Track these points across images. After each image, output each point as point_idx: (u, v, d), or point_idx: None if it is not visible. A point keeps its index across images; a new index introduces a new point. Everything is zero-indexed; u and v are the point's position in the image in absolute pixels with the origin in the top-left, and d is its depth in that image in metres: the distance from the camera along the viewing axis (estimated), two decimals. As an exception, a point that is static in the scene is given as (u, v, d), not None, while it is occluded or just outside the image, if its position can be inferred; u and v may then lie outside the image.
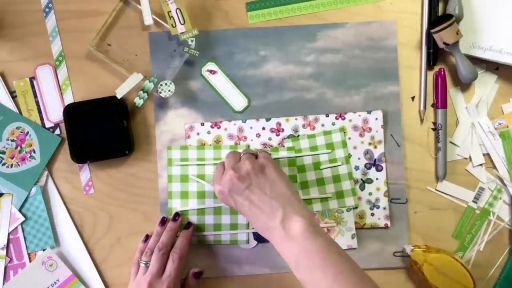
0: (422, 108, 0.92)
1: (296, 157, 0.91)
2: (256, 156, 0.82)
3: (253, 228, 0.90)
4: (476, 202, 0.92)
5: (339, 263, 0.71)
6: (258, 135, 0.92)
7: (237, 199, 0.79)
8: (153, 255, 0.84)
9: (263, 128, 0.92)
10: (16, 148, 0.91)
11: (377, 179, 0.91)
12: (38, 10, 0.92)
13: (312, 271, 0.71)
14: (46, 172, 0.91)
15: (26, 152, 0.91)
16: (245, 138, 0.92)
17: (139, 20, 0.92)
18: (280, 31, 0.93)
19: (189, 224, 0.89)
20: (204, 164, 0.91)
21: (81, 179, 0.92)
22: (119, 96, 0.88)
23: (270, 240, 0.77)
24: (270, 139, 0.92)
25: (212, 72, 0.92)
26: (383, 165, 0.91)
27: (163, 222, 0.90)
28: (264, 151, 0.84)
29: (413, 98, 0.93)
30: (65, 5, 0.92)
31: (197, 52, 0.90)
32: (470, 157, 0.92)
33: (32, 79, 0.92)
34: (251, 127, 0.92)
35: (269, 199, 0.77)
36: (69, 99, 0.92)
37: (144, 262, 0.85)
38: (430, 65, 0.92)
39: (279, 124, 0.92)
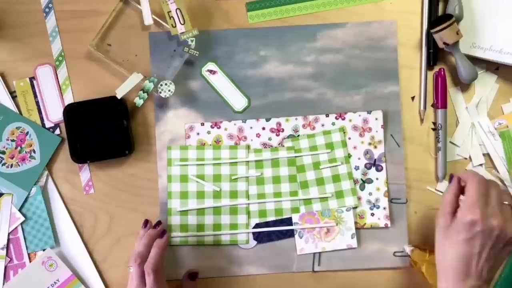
0: (422, 108, 0.92)
1: (296, 156, 0.91)
2: None
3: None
4: (476, 203, 0.91)
5: None
6: (258, 135, 0.92)
7: (475, 242, 0.73)
8: (132, 266, 0.80)
9: (263, 128, 0.92)
10: (16, 148, 0.91)
11: (377, 179, 0.91)
12: (38, 10, 0.92)
13: None
14: (46, 172, 0.91)
15: (26, 152, 0.91)
16: (245, 138, 0.92)
17: (139, 20, 0.92)
18: (280, 31, 0.93)
19: (163, 233, 0.85)
20: (204, 164, 0.91)
21: (81, 179, 0.92)
22: (119, 96, 0.88)
23: (445, 283, 0.75)
24: (270, 139, 0.92)
25: (212, 72, 0.92)
26: (383, 165, 0.91)
27: (146, 225, 0.88)
28: None
29: (413, 98, 0.93)
30: (65, 5, 0.92)
31: (197, 52, 0.90)
32: (470, 157, 0.92)
33: (32, 79, 0.92)
34: (251, 127, 0.92)
35: (485, 269, 0.74)
36: (69, 99, 0.92)
37: (132, 269, 0.81)
38: (430, 65, 0.92)
39: (279, 124, 0.92)
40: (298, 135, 0.92)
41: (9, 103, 0.91)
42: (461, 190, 0.78)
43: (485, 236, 0.73)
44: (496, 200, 0.75)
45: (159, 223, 0.88)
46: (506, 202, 0.79)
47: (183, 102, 0.92)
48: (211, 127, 0.92)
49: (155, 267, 0.80)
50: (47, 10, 0.92)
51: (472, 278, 0.73)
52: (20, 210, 0.90)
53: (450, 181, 0.80)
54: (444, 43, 0.88)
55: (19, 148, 0.91)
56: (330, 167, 0.91)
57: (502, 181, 0.92)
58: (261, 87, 0.92)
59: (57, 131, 0.92)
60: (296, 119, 0.92)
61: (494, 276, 0.76)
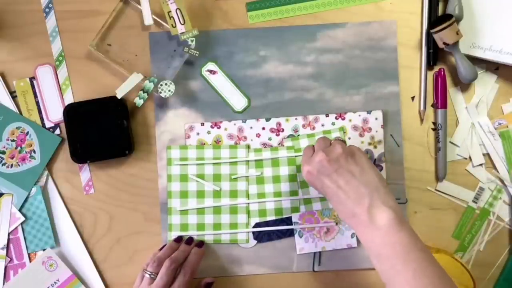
0: (422, 108, 0.92)
1: (296, 156, 0.91)
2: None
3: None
4: (476, 202, 0.92)
5: (420, 260, 0.70)
6: (258, 135, 0.92)
7: (324, 181, 0.77)
8: (163, 267, 0.82)
9: (263, 128, 0.92)
10: (16, 148, 0.91)
11: (377, 179, 0.91)
12: (38, 10, 0.92)
13: (394, 263, 0.70)
14: (46, 172, 0.91)
15: (26, 152, 0.91)
16: (245, 138, 0.92)
17: (139, 20, 0.92)
18: (280, 31, 0.93)
19: (201, 243, 0.89)
20: (203, 164, 0.91)
21: (81, 179, 0.92)
22: (119, 96, 0.88)
23: (352, 226, 0.75)
24: (270, 139, 0.92)
25: (212, 72, 0.92)
26: (383, 165, 0.91)
27: (179, 240, 0.89)
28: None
29: (413, 98, 0.93)
30: (65, 5, 0.92)
31: (197, 52, 0.90)
32: (470, 157, 0.92)
33: (32, 79, 0.92)
34: (251, 127, 0.92)
35: (357, 184, 0.75)
36: (69, 99, 0.92)
37: (149, 273, 0.83)
38: (430, 65, 0.92)
39: (279, 124, 0.92)
40: (298, 135, 0.92)
41: (9, 103, 0.91)
42: None
43: (322, 171, 0.77)
44: (317, 146, 0.81)
45: (191, 239, 0.90)
46: (338, 139, 0.82)
47: (183, 102, 0.92)
48: (211, 127, 0.92)
49: (194, 269, 0.85)
50: (47, 10, 0.92)
51: (358, 203, 0.74)
52: (20, 210, 0.90)
53: None
54: (444, 43, 0.88)
55: (19, 148, 0.91)
56: (330, 166, 0.91)
57: (502, 181, 0.92)
58: (261, 87, 0.92)
59: (57, 131, 0.92)
60: (296, 119, 0.92)
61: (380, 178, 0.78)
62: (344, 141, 0.82)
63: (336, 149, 0.78)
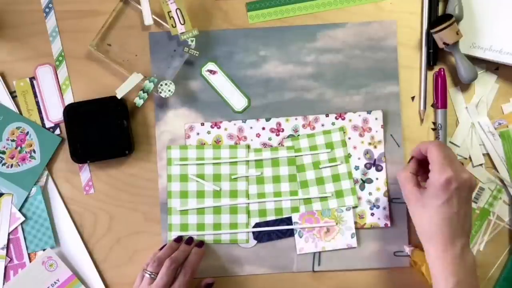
0: (422, 108, 0.92)
1: (296, 156, 0.91)
2: None
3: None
4: (476, 202, 0.92)
5: None
6: (258, 135, 0.92)
7: (453, 200, 0.76)
8: (163, 267, 0.82)
9: (263, 128, 0.92)
10: (16, 148, 0.91)
11: (377, 179, 0.91)
12: (38, 10, 0.92)
13: None
14: (46, 172, 0.91)
15: (26, 152, 0.91)
16: (245, 138, 0.92)
17: (139, 20, 0.92)
18: (280, 31, 0.93)
19: (201, 243, 0.89)
20: (203, 164, 0.91)
21: (81, 179, 0.92)
22: (119, 96, 0.88)
23: (439, 249, 0.76)
24: (270, 139, 0.92)
25: (212, 72, 0.92)
26: (383, 165, 0.91)
27: (179, 240, 0.89)
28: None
29: (413, 98, 0.93)
30: (65, 5, 0.92)
31: (197, 52, 0.90)
32: (470, 157, 0.92)
33: (32, 79, 0.92)
34: (251, 127, 0.92)
35: (468, 222, 0.78)
36: (69, 99, 0.92)
37: (149, 273, 0.82)
38: (430, 65, 0.92)
39: (279, 124, 0.92)
40: (298, 135, 0.92)
41: (9, 103, 0.91)
42: (417, 169, 0.83)
43: (461, 191, 0.76)
44: (456, 157, 0.79)
45: (190, 239, 0.90)
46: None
47: (183, 102, 0.92)
48: (211, 127, 0.92)
49: (194, 269, 0.84)
50: (47, 10, 0.92)
51: (459, 236, 0.76)
52: (20, 210, 0.90)
53: (409, 162, 0.84)
54: (444, 43, 0.88)
55: (19, 148, 0.91)
56: (330, 166, 0.91)
57: (502, 181, 0.92)
58: (261, 87, 0.92)
59: (57, 131, 0.92)
60: (296, 119, 0.92)
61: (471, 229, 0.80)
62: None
63: (472, 178, 0.78)
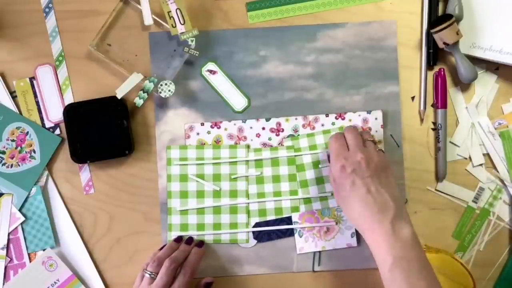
0: (422, 108, 0.92)
1: (296, 156, 0.91)
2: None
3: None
4: (476, 202, 0.91)
5: (430, 279, 0.75)
6: (258, 135, 0.92)
7: (356, 181, 0.79)
8: (163, 267, 0.82)
9: (263, 128, 0.92)
10: (16, 148, 0.91)
11: (377, 179, 0.91)
12: (38, 10, 0.92)
13: (409, 275, 0.74)
14: (46, 172, 0.91)
15: (26, 152, 0.91)
16: (245, 138, 0.92)
17: (139, 20, 0.92)
18: (280, 31, 0.93)
19: (201, 243, 0.89)
20: (203, 164, 0.91)
21: (81, 179, 0.92)
22: (119, 96, 0.88)
23: (369, 232, 0.78)
24: (270, 139, 0.92)
25: (212, 72, 0.92)
26: (383, 165, 0.91)
27: (179, 240, 0.89)
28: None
29: (413, 98, 0.93)
30: (65, 5, 0.92)
31: (197, 52, 0.90)
32: (470, 157, 0.92)
33: (32, 79, 0.92)
34: (251, 127, 0.92)
35: (387, 195, 0.78)
36: (69, 99, 0.92)
37: (149, 273, 0.83)
38: (430, 65, 0.92)
39: (279, 124, 0.92)
40: (298, 135, 0.92)
41: (9, 103, 0.91)
42: None
43: (357, 172, 0.79)
44: (354, 142, 0.82)
45: (190, 238, 0.90)
46: (370, 139, 0.84)
47: (183, 102, 0.92)
48: (211, 127, 0.92)
49: (194, 269, 0.85)
50: (47, 10, 0.92)
51: (383, 212, 0.77)
52: (20, 210, 0.90)
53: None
54: (444, 43, 0.88)
55: (19, 148, 0.91)
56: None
57: (502, 181, 0.92)
58: (261, 87, 0.92)
59: (57, 131, 0.92)
60: (296, 119, 0.92)
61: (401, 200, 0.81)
62: (375, 142, 0.85)
63: (374, 155, 0.81)
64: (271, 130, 0.92)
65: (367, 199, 0.78)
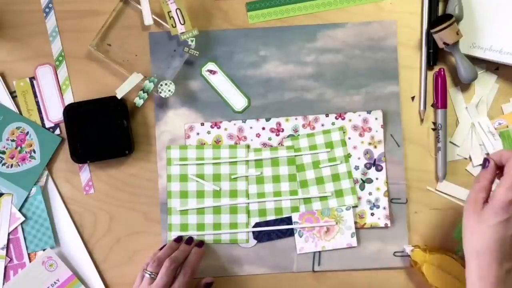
0: (422, 108, 0.92)
1: (296, 156, 0.91)
2: None
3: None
4: (476, 202, 0.91)
5: None
6: (258, 135, 0.92)
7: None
8: (163, 267, 0.82)
9: (263, 128, 0.92)
10: (16, 148, 0.91)
11: (377, 179, 0.91)
12: (38, 10, 0.92)
13: None
14: (46, 172, 0.91)
15: (26, 152, 0.91)
16: (245, 138, 0.92)
17: (139, 20, 0.92)
18: (280, 31, 0.93)
19: (201, 243, 0.89)
20: (203, 164, 0.91)
21: (81, 179, 0.92)
22: (119, 96, 0.88)
23: (478, 266, 0.73)
24: (270, 139, 0.92)
25: (212, 72, 0.92)
26: (383, 165, 0.91)
27: (179, 240, 0.89)
28: None
29: (413, 98, 0.93)
30: (65, 5, 0.92)
31: (197, 52, 0.90)
32: (470, 157, 0.92)
33: (32, 79, 0.92)
34: (251, 127, 0.92)
35: None
36: (69, 99, 0.92)
37: (149, 273, 0.82)
38: (430, 65, 0.92)
39: (279, 124, 0.92)
40: (298, 135, 0.92)
41: (9, 103, 0.91)
42: (494, 175, 0.78)
43: None
44: None
45: (190, 238, 0.90)
46: None
47: (183, 102, 0.92)
48: (211, 127, 0.92)
49: (194, 269, 0.84)
50: (47, 10, 0.92)
51: (507, 260, 0.73)
52: (20, 210, 0.90)
53: (484, 165, 0.78)
54: (444, 43, 0.88)
55: (19, 148, 0.91)
56: (330, 166, 0.91)
57: (502, 181, 0.92)
58: (261, 87, 0.92)
59: (57, 131, 0.92)
60: (296, 119, 0.92)
61: None
62: None
63: None
64: (271, 130, 0.92)
65: (506, 241, 0.72)
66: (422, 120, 0.92)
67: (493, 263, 0.72)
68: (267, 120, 0.92)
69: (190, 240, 0.89)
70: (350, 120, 0.92)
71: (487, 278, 0.73)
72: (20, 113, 0.92)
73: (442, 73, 0.91)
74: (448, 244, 0.91)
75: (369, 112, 0.92)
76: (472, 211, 0.75)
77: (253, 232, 0.91)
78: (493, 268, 0.72)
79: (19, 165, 0.91)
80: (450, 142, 0.92)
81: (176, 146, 0.92)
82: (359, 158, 0.91)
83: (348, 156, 0.91)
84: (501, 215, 0.72)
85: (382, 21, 0.93)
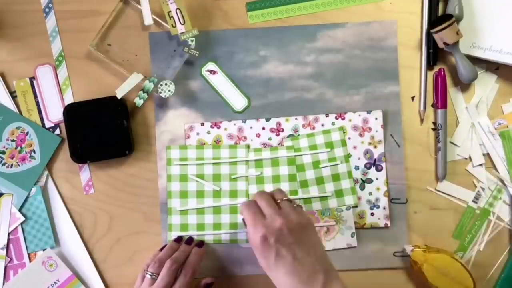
0: (422, 108, 0.92)
1: (296, 156, 0.91)
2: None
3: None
4: (476, 202, 0.91)
5: None
6: (258, 135, 0.92)
7: (280, 251, 0.73)
8: (164, 268, 0.82)
9: (263, 128, 0.92)
10: (16, 148, 0.91)
11: (377, 179, 0.91)
12: (38, 10, 0.92)
13: None
14: (46, 172, 0.91)
15: (26, 152, 0.91)
16: (245, 138, 0.92)
17: (139, 20, 0.92)
18: (280, 31, 0.93)
19: (201, 243, 0.89)
20: (203, 164, 0.91)
21: (81, 179, 0.92)
22: (119, 96, 0.88)
23: None
24: (270, 139, 0.92)
25: (212, 72, 0.92)
26: (383, 165, 0.91)
27: (179, 240, 0.89)
28: (293, 202, 0.80)
29: (413, 98, 0.93)
30: (65, 5, 0.92)
31: (197, 52, 0.90)
32: (470, 157, 0.92)
33: (32, 79, 0.92)
34: (251, 127, 0.92)
35: (313, 260, 0.74)
36: (69, 99, 0.92)
37: (150, 274, 0.83)
38: (430, 65, 0.92)
39: (279, 124, 0.92)
40: (298, 135, 0.92)
41: (9, 103, 0.91)
42: None
43: (281, 240, 0.74)
44: (268, 207, 0.77)
45: (190, 239, 0.90)
46: (285, 199, 0.79)
47: (183, 102, 0.92)
48: (211, 127, 0.92)
49: (195, 269, 0.84)
50: (47, 10, 0.92)
51: (312, 279, 0.72)
52: (20, 210, 0.90)
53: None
54: (444, 43, 0.88)
55: (19, 148, 0.91)
56: (330, 166, 0.91)
57: (502, 181, 0.92)
58: (261, 87, 0.92)
59: (57, 131, 0.92)
60: (296, 119, 0.92)
61: (326, 258, 0.76)
62: (290, 200, 0.80)
63: (292, 216, 0.76)
64: (271, 130, 0.92)
65: (294, 268, 0.73)
66: (422, 120, 0.92)
67: (305, 285, 0.73)
68: (267, 120, 0.92)
69: (190, 240, 0.89)
70: (350, 120, 0.92)
71: None
72: (20, 113, 0.92)
73: (442, 73, 0.91)
74: (448, 244, 0.91)
75: (369, 112, 0.92)
76: (263, 266, 0.76)
77: (253, 232, 0.91)
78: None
79: (19, 165, 0.91)
80: (450, 142, 0.92)
81: (176, 146, 0.92)
82: (359, 158, 0.91)
83: (348, 156, 0.91)
84: (268, 255, 0.74)
85: (382, 21, 0.93)
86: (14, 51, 0.92)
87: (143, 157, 0.92)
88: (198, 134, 0.92)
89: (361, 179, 0.91)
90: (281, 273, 0.73)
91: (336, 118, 0.92)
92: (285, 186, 0.91)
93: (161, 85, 0.89)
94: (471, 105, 0.92)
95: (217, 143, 0.92)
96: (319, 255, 0.75)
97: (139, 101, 0.89)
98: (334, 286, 0.73)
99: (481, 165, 0.92)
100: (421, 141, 0.92)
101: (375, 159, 0.91)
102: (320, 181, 0.91)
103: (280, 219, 0.75)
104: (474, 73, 0.89)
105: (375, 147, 0.91)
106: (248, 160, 0.91)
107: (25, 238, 0.90)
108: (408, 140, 0.92)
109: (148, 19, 0.89)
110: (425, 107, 0.92)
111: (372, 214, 0.91)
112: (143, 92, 0.89)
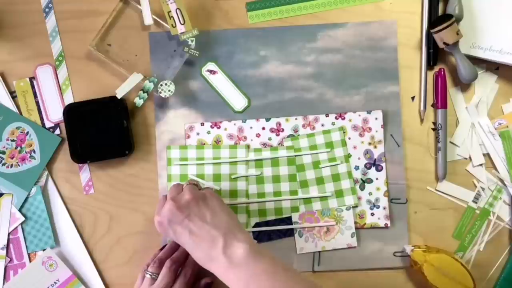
0: (422, 108, 0.92)
1: (296, 156, 0.91)
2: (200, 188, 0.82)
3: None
4: (476, 202, 0.91)
5: (287, 279, 0.73)
6: (258, 135, 0.92)
7: (176, 229, 0.77)
8: (164, 268, 0.82)
9: (263, 128, 0.92)
10: (16, 148, 0.91)
11: (377, 179, 0.91)
12: (38, 10, 0.92)
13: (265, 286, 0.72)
14: (46, 172, 0.91)
15: (26, 152, 0.91)
16: (245, 138, 0.92)
17: (139, 20, 0.92)
18: (280, 31, 0.93)
19: None
20: (203, 164, 0.91)
21: (81, 179, 0.92)
22: (119, 96, 0.88)
23: (214, 271, 0.75)
24: (270, 139, 0.92)
25: (212, 72, 0.92)
26: (383, 165, 0.91)
27: None
28: (208, 188, 0.86)
29: (413, 98, 0.93)
30: (65, 5, 0.92)
31: (197, 52, 0.90)
32: (470, 157, 0.92)
33: (32, 79, 0.92)
34: (251, 127, 0.92)
35: (209, 228, 0.76)
36: (69, 99, 0.92)
37: (150, 273, 0.83)
38: (430, 65, 0.92)
39: (279, 124, 0.92)
40: (298, 135, 0.92)
41: (9, 103, 0.91)
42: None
43: (173, 220, 0.77)
44: (176, 193, 0.80)
45: None
46: (188, 184, 0.82)
47: (183, 102, 0.92)
48: (211, 127, 0.92)
49: (195, 270, 0.84)
50: (47, 10, 0.92)
51: (211, 247, 0.75)
52: (20, 210, 0.90)
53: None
54: (444, 43, 0.88)
55: (19, 148, 0.91)
56: (330, 166, 0.91)
57: (502, 181, 0.92)
58: (261, 87, 0.92)
59: (57, 131, 0.92)
60: (296, 119, 0.92)
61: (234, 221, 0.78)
62: (196, 184, 0.82)
63: (185, 194, 0.79)
64: (271, 130, 0.92)
65: (193, 241, 0.76)
66: (422, 120, 0.92)
67: (207, 263, 0.76)
68: (267, 120, 0.92)
69: None
70: (350, 120, 0.92)
71: (220, 275, 0.75)
72: (20, 113, 0.92)
73: (442, 73, 0.91)
74: (448, 244, 0.91)
75: (369, 112, 0.92)
76: None
77: (253, 232, 0.91)
78: (212, 264, 0.75)
79: (19, 165, 0.91)
80: (450, 142, 0.92)
81: (176, 146, 0.92)
82: (359, 158, 0.91)
83: (348, 156, 0.91)
84: (170, 235, 0.79)
85: (382, 21, 0.93)
86: (14, 51, 0.92)
87: (143, 157, 0.92)
88: (198, 134, 0.92)
89: (361, 179, 0.91)
90: (189, 250, 0.78)
91: (336, 118, 0.92)
92: (285, 186, 0.91)
93: (161, 85, 0.89)
94: (471, 105, 0.92)
95: (217, 143, 0.92)
96: (217, 221, 0.77)
97: (139, 101, 0.89)
98: (235, 247, 0.74)
99: (481, 165, 0.92)
100: (421, 141, 0.92)
101: (375, 159, 0.91)
102: (320, 181, 0.91)
103: (170, 202, 0.78)
104: (474, 73, 0.89)
105: (375, 147, 0.91)
106: (248, 160, 0.91)
107: (25, 238, 0.90)
108: (408, 140, 0.92)
109: (148, 19, 0.89)
110: (425, 107, 0.92)
111: (372, 214, 0.91)
112: (143, 92, 0.89)
